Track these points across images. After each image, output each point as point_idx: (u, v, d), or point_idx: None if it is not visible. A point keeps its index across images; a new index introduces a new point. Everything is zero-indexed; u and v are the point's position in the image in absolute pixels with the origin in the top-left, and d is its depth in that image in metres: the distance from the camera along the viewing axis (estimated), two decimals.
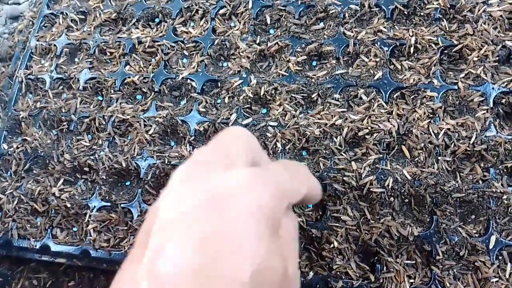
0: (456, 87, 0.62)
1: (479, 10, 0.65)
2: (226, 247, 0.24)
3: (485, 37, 0.63)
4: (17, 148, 0.75)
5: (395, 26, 0.68)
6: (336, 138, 0.63)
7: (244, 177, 0.28)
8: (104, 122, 0.72)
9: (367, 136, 0.62)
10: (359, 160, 0.62)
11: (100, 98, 0.76)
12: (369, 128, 0.62)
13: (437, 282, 0.55)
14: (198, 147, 0.68)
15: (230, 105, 0.69)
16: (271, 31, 0.72)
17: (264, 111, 0.68)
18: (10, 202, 0.72)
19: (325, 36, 0.69)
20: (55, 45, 0.81)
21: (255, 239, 0.25)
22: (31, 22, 0.91)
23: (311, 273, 0.58)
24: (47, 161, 0.73)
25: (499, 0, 0.65)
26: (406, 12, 0.68)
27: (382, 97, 0.64)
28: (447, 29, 0.65)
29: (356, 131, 0.62)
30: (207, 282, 0.23)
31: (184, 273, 0.23)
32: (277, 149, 0.65)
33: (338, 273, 0.58)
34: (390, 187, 0.60)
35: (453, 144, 0.60)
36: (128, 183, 0.70)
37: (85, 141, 0.72)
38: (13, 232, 0.70)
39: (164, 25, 0.77)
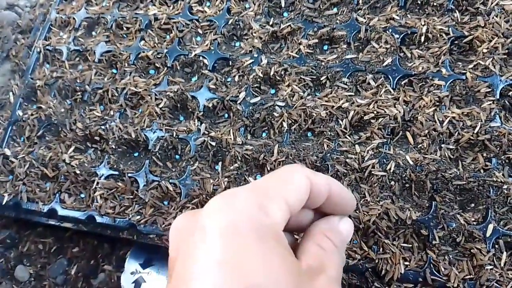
0: (464, 77, 0.63)
1: (492, 3, 0.65)
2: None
3: (496, 30, 0.64)
4: (32, 115, 0.77)
5: (408, 15, 0.68)
6: (342, 120, 0.64)
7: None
8: (116, 94, 0.74)
9: (372, 121, 0.63)
10: (363, 144, 0.63)
11: (114, 71, 0.78)
12: (375, 112, 0.63)
13: (432, 266, 0.56)
14: (205, 122, 0.69)
15: (240, 83, 0.70)
16: (285, 14, 0.74)
17: (273, 91, 0.70)
18: (22, 166, 0.74)
19: (337, 21, 0.70)
20: (74, 18, 0.84)
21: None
22: None
23: None
24: (60, 129, 0.75)
25: None
26: (419, 2, 0.69)
27: (390, 83, 0.65)
28: (459, 20, 0.66)
29: (362, 115, 0.63)
30: None
31: None
32: (283, 129, 0.66)
33: None
34: (391, 171, 0.60)
35: (457, 133, 0.60)
36: (136, 154, 0.72)
37: (97, 112, 0.74)
38: (22, 195, 0.73)
39: (180, 3, 0.79)
